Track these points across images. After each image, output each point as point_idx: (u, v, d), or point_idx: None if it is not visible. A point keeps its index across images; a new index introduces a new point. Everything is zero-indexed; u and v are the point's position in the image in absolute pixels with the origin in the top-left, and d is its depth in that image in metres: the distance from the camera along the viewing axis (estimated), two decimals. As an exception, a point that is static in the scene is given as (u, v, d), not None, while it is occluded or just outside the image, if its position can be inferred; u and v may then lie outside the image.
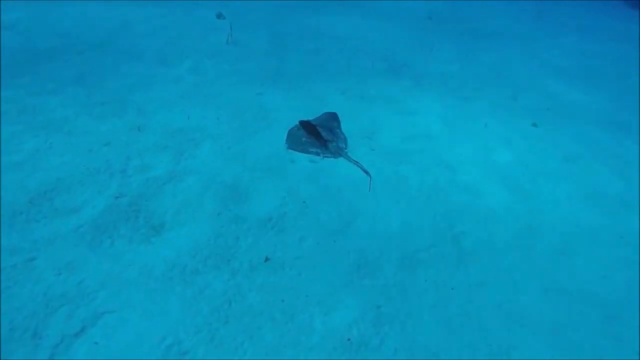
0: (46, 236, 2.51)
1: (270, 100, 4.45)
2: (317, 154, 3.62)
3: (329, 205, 3.07)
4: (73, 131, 3.62)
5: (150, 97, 4.36)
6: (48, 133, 3.55)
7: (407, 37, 7.59)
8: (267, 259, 2.51)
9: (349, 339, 2.12)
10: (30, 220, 2.63)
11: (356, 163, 3.59)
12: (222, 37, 6.22)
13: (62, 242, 2.48)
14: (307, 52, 6.10)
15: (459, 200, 3.30)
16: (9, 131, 3.51)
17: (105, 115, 3.92)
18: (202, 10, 7.61)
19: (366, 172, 3.48)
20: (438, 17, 9.60)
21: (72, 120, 3.79)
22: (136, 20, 6.85)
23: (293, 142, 3.71)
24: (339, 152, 3.64)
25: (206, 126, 3.84)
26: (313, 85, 5.03)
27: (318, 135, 3.69)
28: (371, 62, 6.10)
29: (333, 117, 4.15)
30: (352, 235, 2.83)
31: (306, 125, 3.79)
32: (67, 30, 6.12)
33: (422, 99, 5.12)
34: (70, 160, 3.22)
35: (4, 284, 2.18)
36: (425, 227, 2.99)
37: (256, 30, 6.80)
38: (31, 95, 4.21)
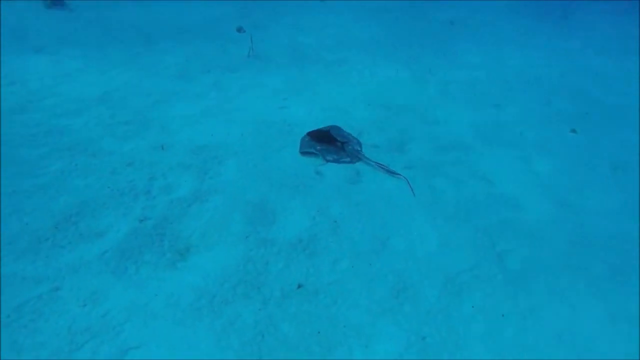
0: (71, 263, 2.41)
1: (294, 113, 4.33)
2: (336, 160, 3.52)
3: (362, 223, 2.89)
4: (97, 152, 3.57)
5: (173, 114, 4.30)
6: (73, 154, 3.51)
7: (429, 44, 7.41)
8: (299, 286, 2.35)
9: (393, 377, 1.93)
10: (55, 246, 2.55)
11: (379, 165, 3.45)
12: (243, 50, 6.18)
13: (87, 269, 2.38)
14: (328, 63, 5.99)
15: (499, 215, 3.07)
16: (38, 154, 3.49)
17: (129, 135, 3.87)
18: (222, 25, 7.63)
19: (394, 173, 3.37)
20: (460, 22, 9.39)
21: (96, 141, 3.75)
22: (158, 38, 6.91)
23: (307, 150, 3.61)
24: (356, 156, 3.57)
25: (230, 143, 3.74)
26: (336, 96, 4.89)
27: (332, 139, 3.62)
28: (394, 71, 5.93)
29: (338, 128, 4.02)
30: (389, 256, 2.64)
31: (317, 134, 3.70)
32: (91, 51, 6.20)
33: (450, 107, 4.91)
34: (95, 182, 3.15)
35: (28, 317, 2.08)
36: (465, 245, 2.77)
37: (277, 42, 6.75)
38: (57, 116, 4.21)
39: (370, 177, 3.40)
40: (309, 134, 3.79)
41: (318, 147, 3.61)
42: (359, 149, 3.71)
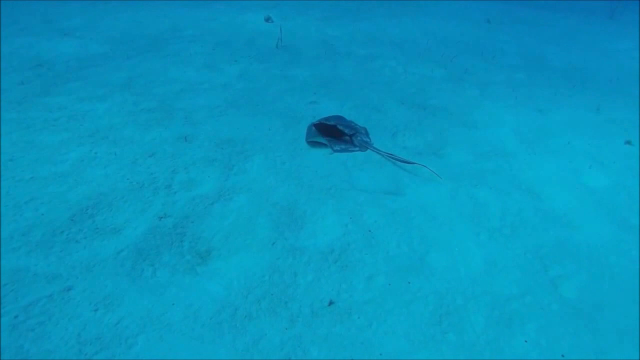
0: (85, 261, 2.24)
1: (324, 109, 4.08)
2: (344, 150, 3.41)
3: (398, 234, 2.63)
4: (118, 140, 3.41)
5: (198, 104, 4.11)
6: (94, 142, 3.36)
7: (465, 42, 7.03)
8: (331, 303, 2.11)
9: (438, 419, 1.68)
10: (70, 240, 2.38)
11: (390, 155, 3.34)
12: (271, 41, 5.95)
13: (101, 269, 2.20)
14: (360, 58, 5.71)
15: (550, 234, 2.76)
16: (59, 139, 3.35)
17: (151, 124, 3.70)
18: (251, 14, 7.42)
19: (409, 161, 3.26)
20: (497, 20, 8.94)
21: (118, 129, 3.59)
22: (185, 25, 6.75)
23: (314, 140, 3.48)
24: (365, 146, 3.47)
25: (257, 138, 3.52)
26: (369, 94, 4.62)
27: (340, 132, 3.51)
28: (429, 69, 5.61)
29: (341, 118, 3.84)
30: (429, 273, 2.37)
31: (323, 128, 3.54)
32: (118, 35, 6.09)
33: (490, 110, 4.58)
34: (114, 172, 2.98)
35: (37, 319, 1.91)
36: (514, 267, 2.48)
37: (306, 34, 6.50)
38: (81, 100, 4.08)
39: (407, 182, 3.13)
40: (315, 125, 3.60)
41: (326, 139, 3.47)
42: (368, 139, 3.59)
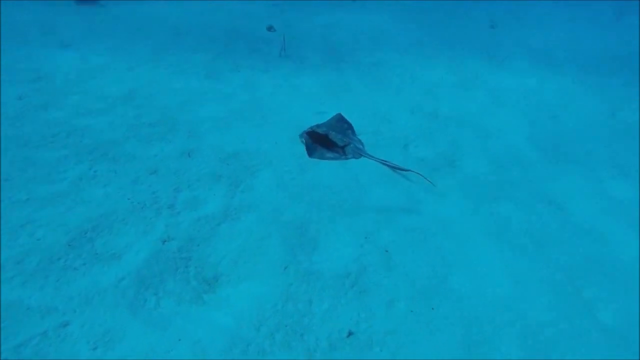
0: (83, 291, 2.08)
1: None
2: (336, 158, 3.32)
3: (417, 254, 2.46)
4: (119, 157, 3.26)
5: (201, 116, 3.97)
6: (93, 159, 3.21)
7: (471, 48, 6.89)
8: (350, 334, 1.94)
9: None
10: (67, 267, 2.22)
11: (384, 162, 3.26)
12: (273, 49, 5.83)
13: (101, 299, 2.04)
14: (366, 65, 5.57)
15: (581, 252, 2.58)
16: (57, 157, 3.21)
17: (154, 138, 3.56)
18: (252, 23, 7.31)
19: (403, 168, 3.20)
20: (502, 25, 8.81)
21: (119, 144, 3.44)
22: (186, 30, 6.64)
23: (308, 149, 3.38)
24: (358, 153, 3.36)
25: (264, 151, 3.36)
26: (378, 102, 4.47)
27: (331, 143, 3.41)
28: (437, 75, 5.47)
29: (341, 119, 3.75)
30: (453, 297, 2.20)
31: (315, 136, 3.44)
32: (118, 45, 5.97)
33: (502, 117, 4.42)
34: (114, 191, 2.83)
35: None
36: (544, 288, 2.30)
37: (309, 41, 6.37)
38: (80, 115, 3.94)
39: (423, 198, 2.97)
40: (308, 133, 3.49)
41: (318, 147, 3.40)
42: (361, 146, 3.50)
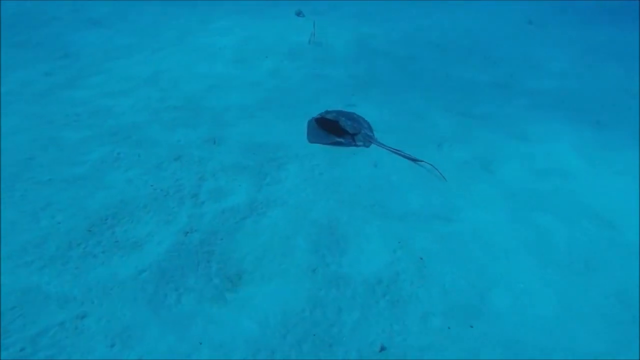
0: (102, 281, 1.98)
1: (364, 114, 3.73)
2: (347, 143, 3.24)
3: (453, 265, 2.29)
4: (142, 141, 3.16)
5: (227, 103, 3.84)
6: (116, 141, 3.12)
7: (507, 45, 6.57)
8: (382, 348, 1.80)
9: None
10: (87, 254, 2.13)
11: (396, 152, 3.19)
12: (303, 37, 5.65)
13: (120, 292, 1.94)
14: (398, 59, 5.34)
15: (635, 274, 2.37)
16: (79, 137, 3.13)
17: (177, 123, 3.45)
18: (281, 8, 7.13)
19: (416, 159, 3.11)
20: (539, 22, 8.41)
21: (142, 128, 3.34)
22: (213, 17, 6.50)
23: (315, 136, 3.30)
24: (369, 141, 3.30)
25: (291, 143, 3.22)
26: (410, 99, 4.26)
27: (342, 130, 3.30)
28: (472, 73, 5.21)
29: (348, 113, 3.62)
30: (492, 315, 2.03)
31: (325, 123, 3.34)
32: (145, 26, 5.88)
33: (544, 121, 4.16)
34: (137, 177, 2.73)
35: (46, 353, 1.66)
36: (594, 314, 2.11)
37: (339, 30, 6.16)
38: (105, 95, 3.86)
39: (459, 202, 2.78)
40: (316, 119, 3.39)
41: (328, 133, 3.30)
42: (371, 134, 3.42)
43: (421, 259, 2.29)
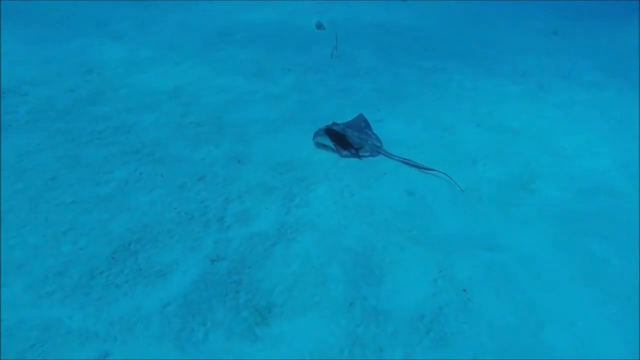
0: (126, 315, 1.87)
1: (392, 129, 3.60)
2: (354, 155, 3.18)
3: (500, 297, 2.10)
4: (165, 158, 3.08)
5: (250, 117, 3.74)
6: (139, 159, 3.04)
7: (535, 54, 6.35)
8: (430, 398, 1.62)
9: None
10: (110, 284, 2.02)
11: (406, 161, 3.10)
12: (324, 49, 5.55)
13: (145, 328, 1.82)
14: (423, 70, 5.19)
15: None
16: (103, 155, 3.07)
17: (200, 139, 3.36)
18: (299, 18, 7.08)
19: (428, 168, 3.02)
20: (565, 32, 8.15)
21: (165, 144, 3.27)
22: (234, 29, 6.48)
23: (322, 142, 3.27)
24: (376, 150, 3.24)
25: (319, 162, 3.09)
26: (438, 112, 4.10)
27: (347, 143, 3.26)
28: (500, 84, 5.01)
29: (361, 119, 3.60)
30: (550, 358, 1.84)
31: (334, 133, 3.28)
32: (167, 39, 5.88)
33: (578, 135, 3.93)
34: (160, 198, 2.63)
35: (65, 395, 1.54)
36: (661, 354, 1.89)
37: (360, 42, 6.06)
38: (127, 111, 3.82)
39: (500, 226, 2.60)
40: (326, 130, 3.30)
41: (334, 143, 3.23)
42: (379, 144, 3.35)
43: (464, 290, 2.11)
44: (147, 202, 2.59)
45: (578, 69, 5.84)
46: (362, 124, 3.54)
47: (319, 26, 6.70)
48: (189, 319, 1.88)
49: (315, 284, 2.08)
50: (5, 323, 1.79)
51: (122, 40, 5.73)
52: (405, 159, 3.12)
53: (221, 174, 2.91)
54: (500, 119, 4.13)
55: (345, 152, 3.20)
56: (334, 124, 3.39)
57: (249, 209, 2.57)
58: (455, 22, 7.70)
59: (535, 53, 6.48)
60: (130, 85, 4.42)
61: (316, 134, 3.33)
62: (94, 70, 4.71)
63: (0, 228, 2.30)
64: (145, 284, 2.04)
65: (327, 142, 3.21)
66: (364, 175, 2.96)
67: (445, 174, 2.97)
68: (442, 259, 2.29)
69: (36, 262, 2.11)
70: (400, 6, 8.89)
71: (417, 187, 2.89)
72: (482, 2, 9.55)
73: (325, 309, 1.96)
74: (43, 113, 3.67)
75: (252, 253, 2.24)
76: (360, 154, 3.20)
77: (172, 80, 4.58)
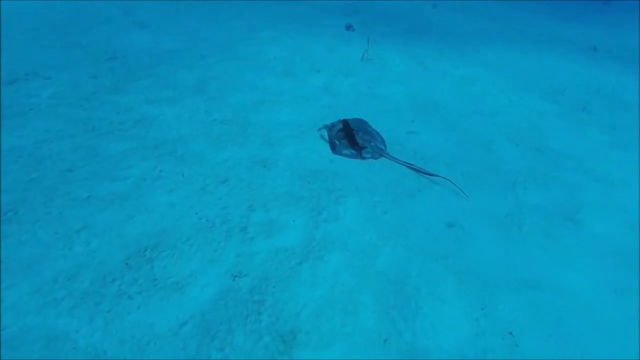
0: (138, 333, 1.70)
1: (427, 143, 3.38)
2: (354, 156, 3.10)
3: (550, 343, 1.88)
4: (186, 156, 2.91)
5: (277, 119, 3.56)
6: (159, 155, 2.88)
7: (570, 71, 6.06)
8: None
9: None
10: (122, 294, 1.86)
11: (409, 166, 2.99)
12: (354, 51, 5.35)
13: (157, 351, 1.64)
14: (455, 79, 4.95)
15: None
16: (122, 149, 2.91)
17: (224, 140, 3.19)
18: (330, 19, 6.89)
19: (431, 174, 2.90)
20: (604, 47, 7.81)
21: (187, 142, 3.10)
22: (260, 25, 6.32)
23: (337, 146, 3.19)
24: (378, 153, 3.14)
25: (349, 172, 2.89)
26: (474, 126, 3.86)
27: (354, 141, 3.18)
28: (537, 101, 4.75)
29: (363, 122, 3.53)
30: (608, 423, 1.62)
31: (347, 128, 3.23)
32: (193, 31, 5.74)
33: (625, 161, 3.67)
34: (180, 200, 2.46)
35: (66, 423, 1.37)
36: None
37: (390, 45, 5.84)
38: (150, 102, 3.67)
39: (545, 259, 2.37)
40: (343, 122, 3.29)
41: (339, 142, 3.19)
42: (383, 147, 3.25)
43: (511, 333, 1.90)
44: (165, 203, 2.43)
45: (621, 90, 5.54)
46: (369, 128, 3.46)
47: (349, 27, 6.49)
48: (206, 342, 1.70)
49: (344, 312, 1.89)
50: (7, 331, 1.64)
51: (147, 29, 5.61)
52: (408, 163, 3.01)
53: (245, 178, 2.73)
54: (540, 138, 3.88)
55: (346, 152, 3.12)
56: (345, 120, 3.34)
57: (274, 219, 2.39)
58: (485, 27, 7.42)
59: (572, 69, 6.19)
60: (154, 76, 4.27)
61: (327, 127, 3.33)
62: (118, 58, 4.58)
63: (1, 223, 2.16)
64: (160, 297, 1.87)
65: (326, 135, 3.23)
66: (398, 191, 2.75)
67: (449, 180, 2.86)
68: (484, 294, 2.07)
69: (46, 263, 1.95)
70: (429, 10, 8.64)
71: (453, 208, 2.68)
72: (512, 6, 9.24)
73: (357, 342, 1.76)
74: (64, 98, 3.54)
75: (277, 271, 2.05)
76: (362, 154, 3.11)
77: (196, 74, 4.43)
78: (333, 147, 3.15)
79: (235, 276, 2.00)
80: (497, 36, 7.30)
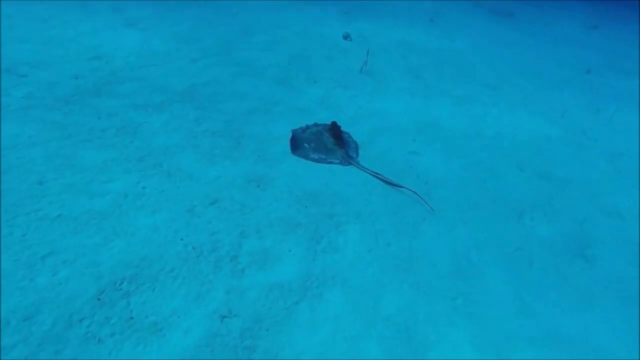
0: (106, 388, 1.44)
1: (429, 165, 3.21)
2: (322, 160, 3.05)
3: (571, 404, 1.70)
4: (173, 172, 2.66)
5: (273, 132, 3.34)
6: (143, 169, 2.63)
7: (568, 92, 6.02)
8: None
9: None
10: (90, 337, 1.60)
11: (375, 175, 2.92)
12: (352, 61, 5.18)
13: (129, 410, 1.40)
14: (455, 99, 4.82)
15: None
16: (102, 159, 2.64)
17: (216, 154, 2.95)
18: (327, 28, 6.72)
19: (396, 185, 2.84)
20: (598, 71, 7.85)
21: (174, 153, 2.85)
22: (255, 29, 6.10)
23: (297, 147, 3.15)
24: (347, 160, 3.06)
25: (350, 196, 2.68)
26: (477, 150, 3.71)
27: (342, 141, 3.21)
28: (539, 124, 4.65)
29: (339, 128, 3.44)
30: None
31: (336, 130, 3.23)
32: (184, 32, 5.49)
33: (632, 192, 3.57)
34: (164, 223, 2.21)
35: None
36: None
37: (389, 59, 5.69)
38: (135, 108, 3.40)
39: (562, 305, 2.20)
40: (332, 123, 3.27)
41: (307, 145, 3.16)
42: (354, 155, 3.20)
43: (530, 392, 1.71)
44: (148, 226, 2.17)
45: (621, 113, 5.50)
46: (343, 133, 3.41)
47: (346, 37, 6.34)
48: (187, 401, 1.46)
49: (347, 364, 1.67)
50: (-53, 386, 1.37)
51: (136, 28, 5.33)
52: (375, 173, 2.95)
53: (237, 199, 2.50)
54: (545, 164, 3.75)
55: (314, 156, 3.08)
56: (315, 125, 3.39)
57: (268, 248, 2.16)
58: (481, 47, 7.37)
59: (571, 90, 6.15)
60: (141, 79, 4.01)
61: (293, 141, 3.21)
62: (103, 57, 4.30)
63: (-36, 243, 1.87)
64: (136, 340, 1.62)
65: (296, 139, 3.20)
66: (402, 220, 2.55)
67: (414, 192, 2.80)
68: (499, 342, 1.88)
69: (1, 297, 1.68)
70: (427, 25, 8.57)
71: (460, 239, 2.49)
72: (507, 26, 9.25)
73: (361, 404, 1.54)
74: (40, 99, 3.25)
75: (271, 311, 1.83)
76: (328, 159, 3.07)
77: (187, 78, 4.18)
78: (295, 149, 3.09)
79: (224, 317, 1.76)
80: (489, 52, 7.25)
